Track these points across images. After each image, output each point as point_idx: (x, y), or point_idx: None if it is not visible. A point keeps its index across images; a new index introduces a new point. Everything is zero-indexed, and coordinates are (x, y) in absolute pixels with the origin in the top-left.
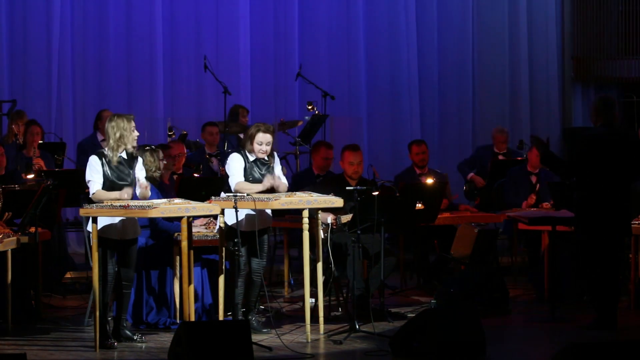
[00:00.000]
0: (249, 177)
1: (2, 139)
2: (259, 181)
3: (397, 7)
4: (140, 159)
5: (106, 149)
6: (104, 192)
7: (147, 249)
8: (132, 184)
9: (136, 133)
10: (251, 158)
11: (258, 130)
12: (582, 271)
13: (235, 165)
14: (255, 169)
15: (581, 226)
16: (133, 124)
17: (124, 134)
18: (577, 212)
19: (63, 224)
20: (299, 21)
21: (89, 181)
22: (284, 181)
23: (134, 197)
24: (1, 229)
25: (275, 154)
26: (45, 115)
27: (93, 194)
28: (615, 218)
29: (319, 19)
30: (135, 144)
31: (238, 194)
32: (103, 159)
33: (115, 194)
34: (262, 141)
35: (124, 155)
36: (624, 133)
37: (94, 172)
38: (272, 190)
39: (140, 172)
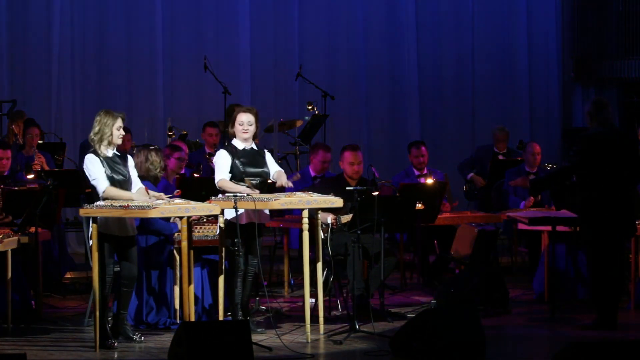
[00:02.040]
0: (239, 167)
1: (2, 139)
2: (252, 169)
3: (397, 7)
4: (131, 160)
5: (93, 144)
6: (115, 189)
7: (147, 249)
8: (129, 182)
9: (119, 132)
10: (240, 147)
11: (239, 111)
12: (584, 271)
13: (220, 162)
14: (244, 159)
15: (586, 227)
16: (118, 122)
17: (104, 130)
18: (581, 213)
19: (63, 224)
20: (299, 21)
21: (94, 179)
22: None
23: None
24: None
25: (266, 151)
26: (45, 115)
27: (103, 191)
28: (619, 217)
29: (319, 19)
30: (118, 142)
31: (238, 194)
32: (99, 157)
33: (128, 194)
34: (243, 120)
35: (115, 152)
36: (622, 132)
37: (98, 169)
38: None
39: (133, 171)
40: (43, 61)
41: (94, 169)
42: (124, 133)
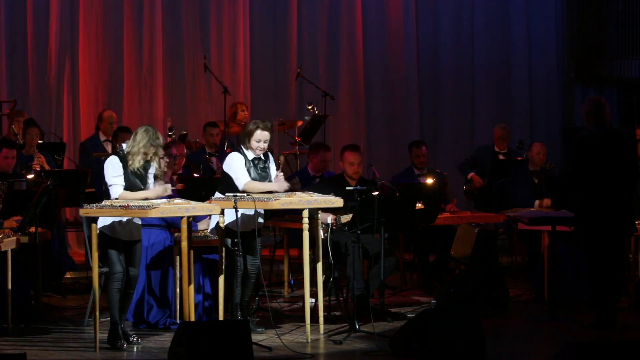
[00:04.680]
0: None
1: (3, 139)
2: (258, 180)
3: (397, 6)
4: (154, 164)
5: (126, 151)
6: (129, 193)
7: (149, 249)
8: (146, 185)
9: (147, 156)
10: (249, 157)
11: (257, 128)
12: (584, 271)
13: (238, 165)
14: (253, 168)
15: (583, 227)
16: (151, 150)
17: (138, 152)
18: (578, 214)
19: (63, 224)
20: (298, 21)
21: (111, 185)
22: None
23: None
24: (8, 224)
25: (269, 154)
26: (45, 115)
27: (116, 197)
28: (617, 218)
29: (319, 18)
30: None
31: (238, 194)
32: (124, 162)
33: (143, 194)
34: (261, 139)
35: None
36: (618, 132)
37: (116, 173)
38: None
39: (151, 177)
40: (43, 61)
41: (114, 173)
42: (152, 157)
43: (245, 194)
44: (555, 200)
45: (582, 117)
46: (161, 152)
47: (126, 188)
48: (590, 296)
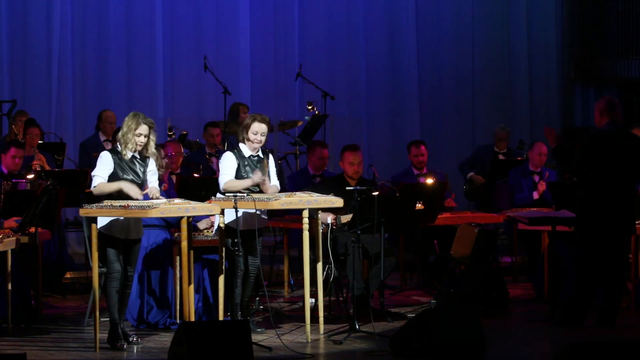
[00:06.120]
0: (242, 174)
1: (4, 139)
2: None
3: (397, 7)
4: (152, 161)
5: (118, 140)
6: (105, 184)
7: (149, 249)
8: (143, 183)
9: (140, 139)
10: (246, 154)
11: (254, 120)
12: (583, 270)
13: (226, 165)
14: (250, 165)
15: (583, 225)
16: (141, 129)
17: (127, 134)
18: (579, 211)
19: (63, 224)
20: (299, 21)
21: (93, 175)
22: (276, 184)
23: (145, 196)
24: (7, 224)
25: (270, 155)
26: (45, 115)
27: (94, 187)
28: (618, 217)
29: (319, 18)
30: (138, 148)
31: (238, 194)
32: (116, 156)
33: (116, 184)
34: (258, 131)
35: (136, 154)
36: (629, 133)
37: (102, 167)
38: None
39: (152, 176)
40: (43, 61)
41: (100, 166)
42: (144, 140)
43: (245, 194)
44: (555, 200)
45: (594, 115)
46: (161, 152)
47: (114, 179)
48: (575, 292)
